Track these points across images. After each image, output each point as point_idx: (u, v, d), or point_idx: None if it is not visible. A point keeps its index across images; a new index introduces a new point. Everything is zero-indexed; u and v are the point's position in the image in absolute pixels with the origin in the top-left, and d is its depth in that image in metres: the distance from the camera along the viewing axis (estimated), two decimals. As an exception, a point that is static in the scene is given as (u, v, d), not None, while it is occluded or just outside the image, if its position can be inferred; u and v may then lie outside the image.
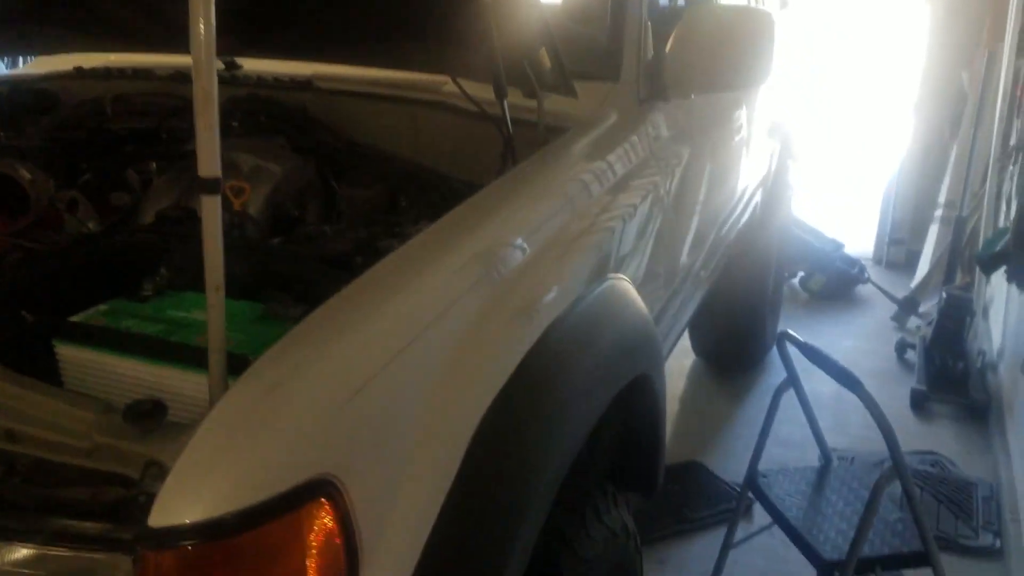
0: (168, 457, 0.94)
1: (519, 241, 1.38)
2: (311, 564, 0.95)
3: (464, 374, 1.17)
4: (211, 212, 0.96)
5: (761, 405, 3.71)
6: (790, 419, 3.47)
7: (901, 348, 4.06)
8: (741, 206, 3.17)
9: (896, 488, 2.96)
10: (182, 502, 0.89)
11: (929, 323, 4.01)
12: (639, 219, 1.85)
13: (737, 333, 3.85)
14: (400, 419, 1.09)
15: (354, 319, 1.09)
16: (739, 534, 2.46)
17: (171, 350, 1.13)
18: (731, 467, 3.21)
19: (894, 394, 3.73)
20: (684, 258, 2.40)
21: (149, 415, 0.99)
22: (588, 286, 1.53)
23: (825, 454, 2.32)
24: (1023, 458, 3.01)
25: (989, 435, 3.44)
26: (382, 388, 1.06)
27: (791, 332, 2.15)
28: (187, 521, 0.88)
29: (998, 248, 3.26)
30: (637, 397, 1.76)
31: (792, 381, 2.21)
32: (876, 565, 1.98)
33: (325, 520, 0.96)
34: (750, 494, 2.27)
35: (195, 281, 1.12)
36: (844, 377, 1.91)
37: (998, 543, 2.82)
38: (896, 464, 1.86)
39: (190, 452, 0.91)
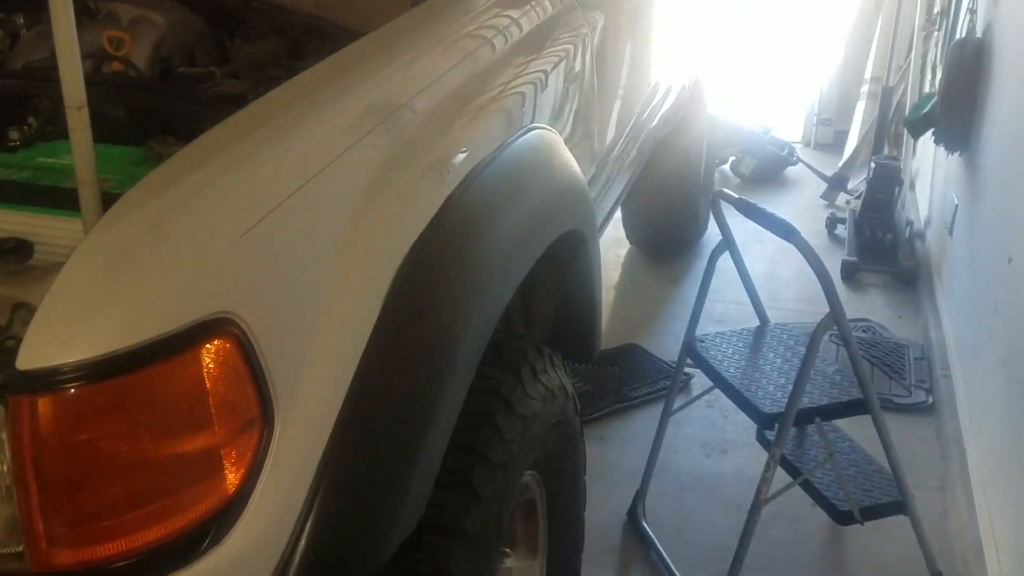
0: (38, 299, 0.83)
1: (415, 96, 1.26)
2: (215, 405, 0.86)
3: (374, 221, 1.08)
4: (61, 12, 0.83)
5: (696, 287, 3.71)
6: (724, 298, 3.50)
7: (831, 224, 4.08)
8: (664, 89, 3.07)
9: (831, 347, 3.01)
10: (56, 341, 0.79)
11: (858, 197, 4.02)
12: (552, 87, 1.73)
13: (671, 219, 3.82)
14: (305, 263, 0.99)
15: (243, 153, 0.98)
16: (678, 404, 2.44)
17: (40, 194, 1.01)
18: (668, 346, 3.21)
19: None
20: (606, 137, 2.30)
21: (12, 253, 0.87)
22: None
23: (761, 315, 2.30)
24: (951, 316, 3.06)
25: (918, 299, 3.50)
26: (280, 227, 0.95)
27: (725, 190, 2.10)
28: (66, 361, 0.78)
29: (926, 111, 3.25)
30: (570, 257, 1.69)
31: (727, 243, 2.16)
32: (815, 415, 1.98)
33: (228, 360, 0.87)
34: (688, 360, 2.25)
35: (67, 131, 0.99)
36: (780, 226, 1.86)
37: (930, 399, 2.88)
38: (833, 310, 1.83)
39: (62, 285, 0.81)
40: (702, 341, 2.20)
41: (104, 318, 0.80)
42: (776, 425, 1.94)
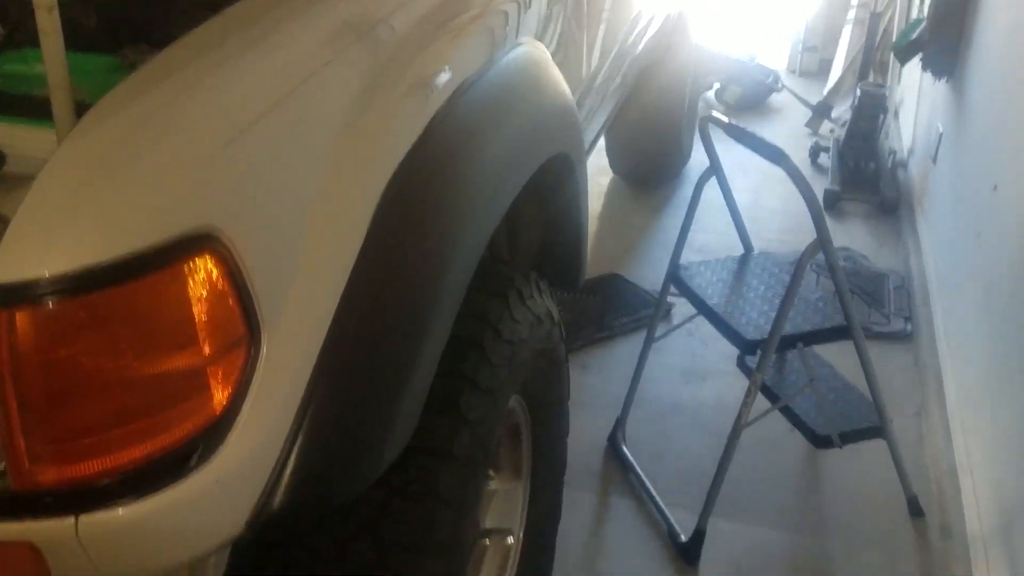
0: (12, 210, 0.79)
1: (394, 11, 1.21)
2: (199, 322, 0.83)
3: (359, 138, 1.04)
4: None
5: (678, 216, 3.70)
6: (706, 228, 3.49)
7: (815, 152, 4.06)
8: (649, 15, 3.00)
9: (812, 276, 3.02)
10: (32, 253, 0.76)
11: (843, 125, 4.00)
12: (537, 6, 1.67)
13: (654, 148, 3.78)
14: (290, 178, 0.96)
15: (221, 60, 0.94)
16: (660, 332, 2.45)
17: (9, 103, 0.96)
18: (649, 276, 3.21)
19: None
20: (591, 63, 2.25)
21: (-19, 163, 0.83)
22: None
23: (746, 243, 2.29)
24: (932, 245, 3.08)
25: (900, 229, 3.51)
26: (263, 139, 0.92)
27: (715, 114, 2.06)
28: (44, 274, 0.75)
29: (914, 37, 3.20)
30: (557, 182, 1.66)
31: (714, 168, 2.14)
32: (798, 341, 1.98)
33: (212, 276, 0.84)
34: (672, 288, 2.24)
35: (38, 37, 0.94)
36: (769, 151, 1.83)
37: (909, 328, 2.91)
38: (820, 235, 1.82)
39: (37, 196, 0.77)
40: (686, 269, 2.20)
41: (82, 231, 0.77)
42: (758, 351, 1.95)
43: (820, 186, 3.76)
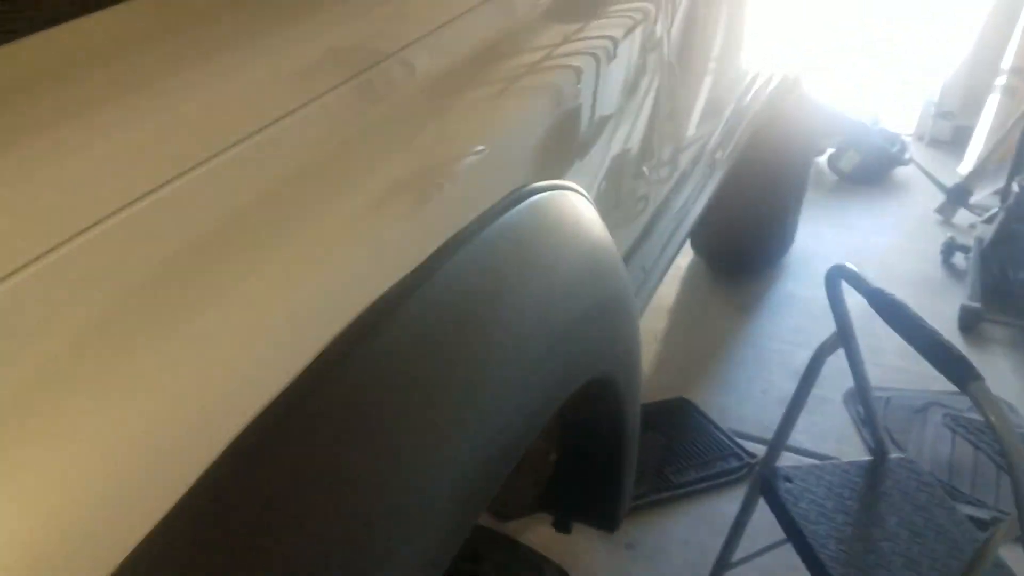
0: None
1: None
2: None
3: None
4: None
5: (772, 324, 2.98)
6: (808, 342, 2.74)
7: (948, 250, 3.28)
8: (772, 62, 2.33)
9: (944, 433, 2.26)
10: None
11: (987, 219, 3.22)
12: (623, 62, 1.06)
13: (750, 228, 3.06)
14: None
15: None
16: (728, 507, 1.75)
17: None
18: (728, 407, 2.52)
19: (938, 310, 2.98)
20: (692, 132, 1.63)
21: None
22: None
23: (877, 446, 1.58)
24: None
25: (1061, 372, 2.73)
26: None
27: (849, 266, 1.37)
28: None
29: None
30: (591, 408, 1.00)
31: (844, 337, 1.45)
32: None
33: None
34: (761, 497, 1.55)
35: None
36: (947, 361, 1.13)
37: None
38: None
39: None
40: (788, 478, 1.50)
41: None
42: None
43: (954, 298, 3.00)
